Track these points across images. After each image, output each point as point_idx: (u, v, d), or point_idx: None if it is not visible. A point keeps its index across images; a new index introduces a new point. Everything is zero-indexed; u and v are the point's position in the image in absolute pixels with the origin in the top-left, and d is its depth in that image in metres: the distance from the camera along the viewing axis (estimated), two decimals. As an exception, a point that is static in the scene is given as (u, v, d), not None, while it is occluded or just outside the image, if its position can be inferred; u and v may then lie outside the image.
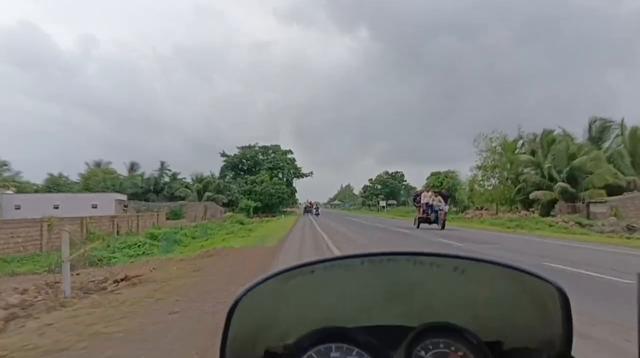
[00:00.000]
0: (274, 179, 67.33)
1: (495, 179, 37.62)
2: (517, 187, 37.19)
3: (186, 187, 60.46)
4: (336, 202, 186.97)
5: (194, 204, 53.94)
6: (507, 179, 37.62)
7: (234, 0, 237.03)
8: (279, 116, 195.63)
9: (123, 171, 72.56)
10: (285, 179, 77.51)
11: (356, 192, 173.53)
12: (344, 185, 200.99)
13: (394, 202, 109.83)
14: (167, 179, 71.21)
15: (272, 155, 76.05)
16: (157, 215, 36.55)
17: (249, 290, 0.75)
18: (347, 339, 0.85)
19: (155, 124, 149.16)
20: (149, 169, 68.87)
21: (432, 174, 53.54)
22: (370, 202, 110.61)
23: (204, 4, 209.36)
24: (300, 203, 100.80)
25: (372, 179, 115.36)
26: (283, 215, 60.94)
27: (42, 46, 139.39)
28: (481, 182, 38.28)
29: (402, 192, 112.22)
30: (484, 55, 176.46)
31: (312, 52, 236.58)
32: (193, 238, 26.55)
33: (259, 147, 76.84)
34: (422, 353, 0.85)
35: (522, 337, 0.85)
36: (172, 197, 61.40)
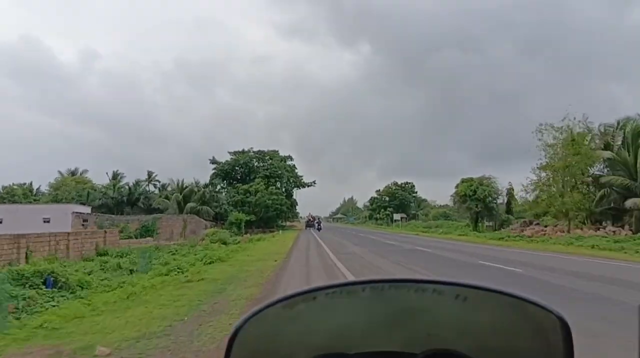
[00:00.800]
0: (271, 188, 57.40)
1: (566, 182, 27.75)
2: (599, 194, 27.34)
3: (166, 197, 50.57)
4: (339, 215, 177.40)
5: (171, 218, 43.96)
6: (581, 182, 27.81)
7: (235, 15, 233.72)
8: (279, 129, 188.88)
9: (104, 181, 63.37)
10: (284, 189, 67.74)
11: (359, 205, 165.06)
12: (346, 198, 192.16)
13: (404, 215, 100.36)
14: (153, 190, 62.00)
15: (270, 161, 66.27)
16: (105, 233, 26.60)
17: (249, 317, 0.75)
18: None
19: (155, 137, 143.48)
20: (134, 179, 59.35)
21: (462, 181, 43.67)
22: (377, 215, 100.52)
23: (205, 18, 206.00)
24: (301, 217, 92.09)
25: (379, 190, 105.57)
26: (281, 231, 50.96)
27: (42, 59, 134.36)
28: (547, 188, 28.39)
29: (412, 204, 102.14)
30: (487, 68, 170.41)
31: (313, 66, 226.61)
32: (132, 271, 16.70)
33: (253, 152, 67.06)
34: None
35: None
36: (151, 210, 51.71)
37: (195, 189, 48.97)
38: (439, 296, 0.81)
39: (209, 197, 49.94)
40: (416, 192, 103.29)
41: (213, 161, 67.30)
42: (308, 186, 72.45)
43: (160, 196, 51.97)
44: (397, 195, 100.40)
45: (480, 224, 44.13)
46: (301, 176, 72.33)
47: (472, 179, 43.31)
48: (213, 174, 65.55)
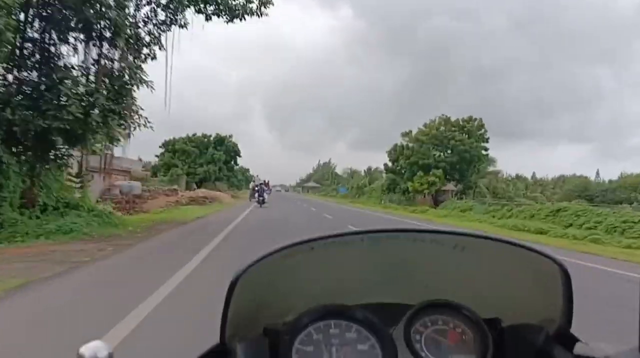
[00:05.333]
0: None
1: None
2: None
3: None
4: (311, 184, 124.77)
5: None
6: None
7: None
8: (250, 94, 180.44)
9: None
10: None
11: (338, 170, 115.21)
12: (321, 162, 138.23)
13: (453, 187, 47.24)
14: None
15: None
16: None
17: (249, 267, 0.75)
18: (347, 316, 0.85)
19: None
20: None
21: None
22: (409, 183, 45.89)
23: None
24: (255, 178, 48.19)
25: (409, 132, 50.33)
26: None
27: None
28: None
29: (476, 166, 47.60)
30: (478, 41, 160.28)
31: (290, 29, 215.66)
32: None
33: None
34: (421, 329, 0.85)
35: (522, 313, 0.84)
36: None
37: None
38: (437, 246, 0.80)
39: None
40: (487, 140, 48.81)
41: None
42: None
43: None
44: (449, 143, 46.31)
45: None
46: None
47: None
48: None
